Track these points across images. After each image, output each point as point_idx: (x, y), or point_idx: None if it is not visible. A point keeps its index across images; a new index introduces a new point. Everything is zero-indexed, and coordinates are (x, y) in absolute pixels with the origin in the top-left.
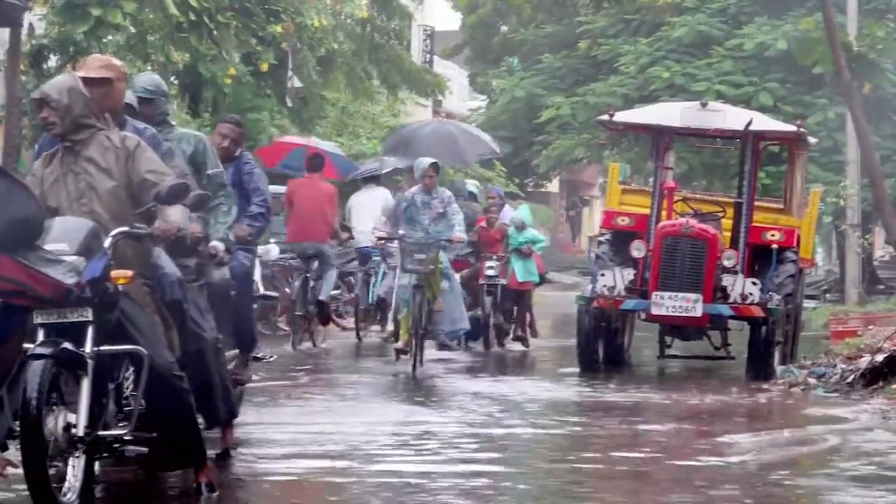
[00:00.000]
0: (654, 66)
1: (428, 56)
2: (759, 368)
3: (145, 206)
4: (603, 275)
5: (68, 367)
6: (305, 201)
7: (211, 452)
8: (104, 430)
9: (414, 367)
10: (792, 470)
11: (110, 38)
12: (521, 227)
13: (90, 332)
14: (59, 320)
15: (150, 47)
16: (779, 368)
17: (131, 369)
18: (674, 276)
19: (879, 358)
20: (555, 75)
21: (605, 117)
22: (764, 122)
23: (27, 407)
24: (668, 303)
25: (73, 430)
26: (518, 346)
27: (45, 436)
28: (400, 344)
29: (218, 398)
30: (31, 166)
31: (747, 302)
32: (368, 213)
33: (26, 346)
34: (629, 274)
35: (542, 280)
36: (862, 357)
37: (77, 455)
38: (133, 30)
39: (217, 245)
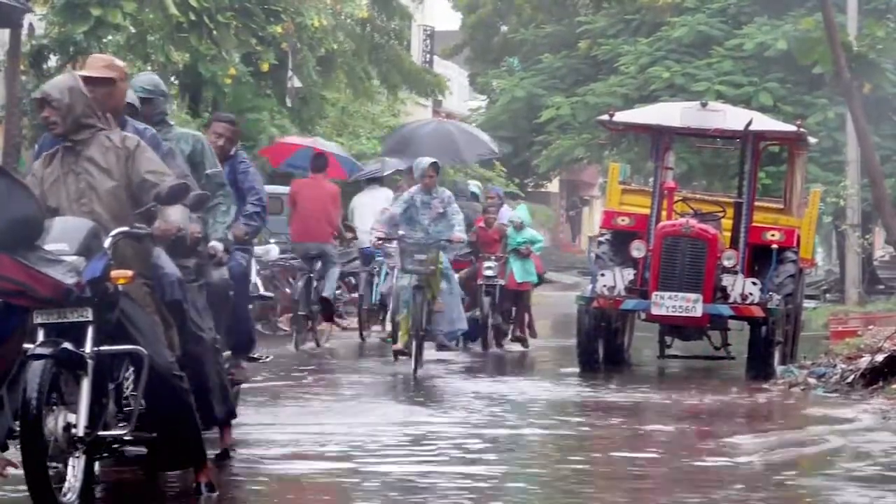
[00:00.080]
0: (654, 66)
1: (428, 56)
2: (759, 368)
3: (145, 207)
4: (603, 275)
5: (68, 367)
6: (309, 201)
7: (210, 452)
8: (104, 430)
9: (415, 367)
10: (795, 470)
11: (110, 38)
12: (519, 227)
13: (90, 332)
14: (59, 320)
15: (150, 47)
16: (779, 368)
17: (131, 369)
18: (674, 276)
19: (879, 358)
20: (555, 75)
21: (605, 117)
22: (764, 122)
23: (27, 407)
24: (668, 303)
25: (73, 431)
26: (517, 347)
27: (45, 436)
28: (399, 345)
29: (216, 398)
30: (31, 166)
31: (747, 302)
32: (371, 213)
33: (26, 346)
34: (629, 274)
35: (541, 280)
36: (862, 357)
37: (77, 455)
38: (133, 30)
39: (216, 245)
